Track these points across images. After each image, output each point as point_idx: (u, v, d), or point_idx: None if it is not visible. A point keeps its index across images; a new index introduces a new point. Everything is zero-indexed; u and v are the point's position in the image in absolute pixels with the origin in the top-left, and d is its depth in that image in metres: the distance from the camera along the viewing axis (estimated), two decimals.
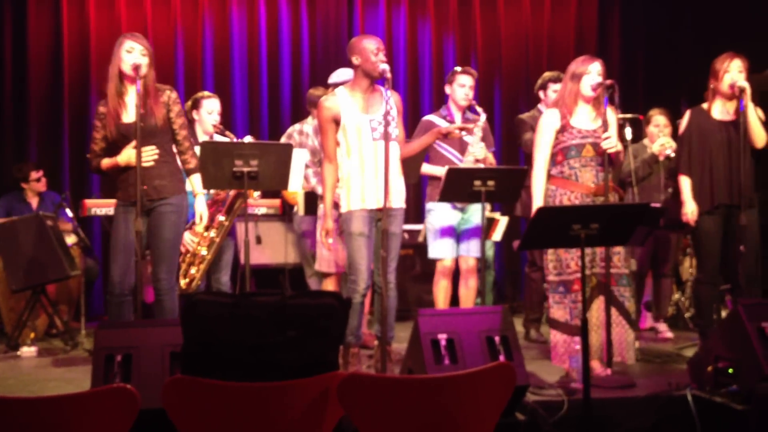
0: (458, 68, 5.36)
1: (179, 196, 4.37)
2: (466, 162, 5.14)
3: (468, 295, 5.28)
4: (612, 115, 4.46)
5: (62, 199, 6.21)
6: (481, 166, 5.11)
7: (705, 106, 4.80)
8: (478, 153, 5.17)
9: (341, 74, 5.15)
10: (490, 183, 4.63)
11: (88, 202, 6.18)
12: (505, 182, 4.72)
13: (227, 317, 2.35)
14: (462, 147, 5.23)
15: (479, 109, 5.27)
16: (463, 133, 4.81)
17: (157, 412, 2.27)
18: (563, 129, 4.38)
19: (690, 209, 4.77)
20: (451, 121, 5.22)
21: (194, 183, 4.44)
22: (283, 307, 2.39)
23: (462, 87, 5.25)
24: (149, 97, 4.25)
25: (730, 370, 3.75)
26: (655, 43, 8.20)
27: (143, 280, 4.35)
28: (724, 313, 5.15)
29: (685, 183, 4.82)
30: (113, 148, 4.29)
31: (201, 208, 4.48)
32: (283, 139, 5.80)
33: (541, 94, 5.61)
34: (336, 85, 4.94)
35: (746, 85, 4.57)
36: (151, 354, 3.30)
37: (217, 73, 7.56)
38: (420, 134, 5.12)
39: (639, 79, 8.21)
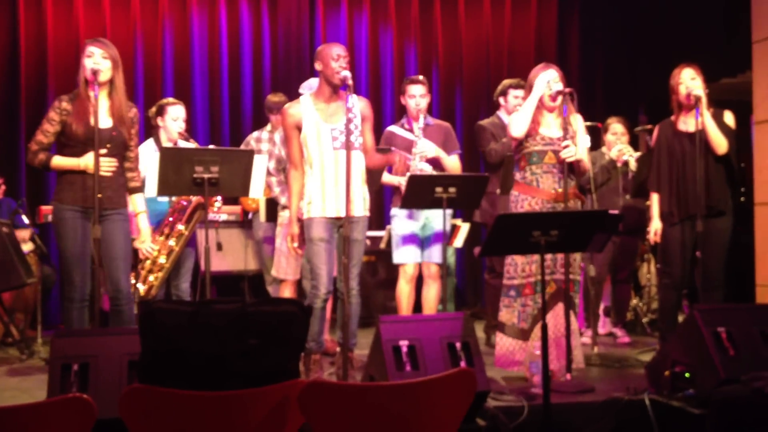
0: (406, 79, 5.43)
1: (126, 208, 4.44)
2: (414, 163, 5.15)
3: (430, 301, 5.30)
4: (579, 122, 4.52)
5: (18, 206, 6.10)
6: (428, 167, 5.14)
7: (672, 118, 4.89)
8: (427, 151, 5.18)
9: (313, 84, 5.16)
10: (452, 190, 4.65)
11: (45, 208, 6.09)
12: (466, 189, 4.74)
13: (186, 325, 2.33)
14: None
15: (422, 116, 5.29)
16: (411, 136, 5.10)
17: (115, 422, 2.24)
18: (528, 134, 4.44)
19: (654, 228, 4.86)
20: (410, 131, 5.26)
21: (137, 202, 4.48)
22: (243, 315, 2.37)
23: (412, 98, 5.26)
24: (122, 107, 4.29)
25: (687, 375, 3.80)
26: (613, 52, 8.31)
27: (100, 287, 4.31)
28: (681, 318, 5.23)
29: (655, 200, 4.92)
30: (65, 147, 4.25)
31: (145, 227, 4.54)
32: (242, 147, 5.79)
33: (501, 100, 5.65)
34: None
35: (701, 93, 4.65)
36: (108, 363, 3.25)
37: (178, 78, 7.49)
38: (382, 145, 5.22)
39: (597, 87, 8.30)
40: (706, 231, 4.58)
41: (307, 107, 4.36)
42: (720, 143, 4.68)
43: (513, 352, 4.41)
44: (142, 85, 7.34)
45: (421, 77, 5.38)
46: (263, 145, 5.58)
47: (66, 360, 3.25)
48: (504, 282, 4.47)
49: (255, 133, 5.77)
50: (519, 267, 4.39)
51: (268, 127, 5.70)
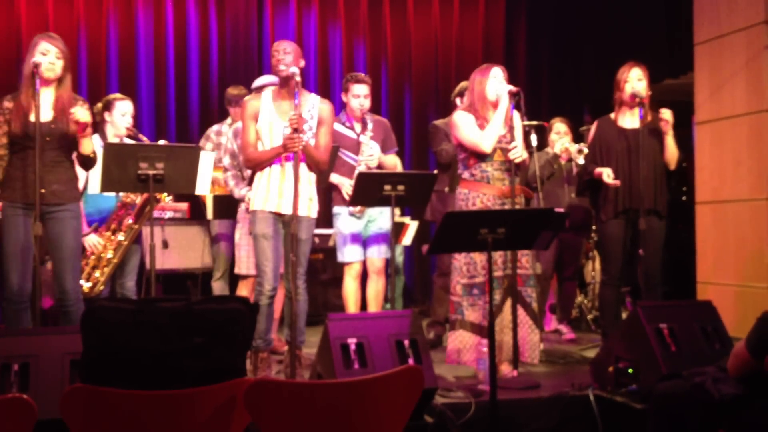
0: (350, 76, 5.34)
1: (76, 204, 4.27)
2: (362, 161, 5.20)
3: (376, 297, 5.31)
4: (518, 121, 4.56)
5: None
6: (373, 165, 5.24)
7: (612, 115, 4.94)
8: (373, 152, 5.27)
9: (262, 79, 5.16)
10: (400, 188, 4.66)
11: None
12: (415, 187, 4.75)
13: (129, 324, 2.29)
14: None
15: (367, 117, 5.31)
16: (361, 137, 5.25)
17: (56, 422, 2.20)
18: None
19: (606, 173, 4.75)
20: (351, 128, 5.27)
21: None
22: (188, 313, 2.34)
23: (356, 98, 5.24)
24: (64, 102, 4.15)
25: (630, 370, 3.87)
26: (559, 52, 8.42)
27: (42, 286, 4.20)
28: (624, 315, 5.32)
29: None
30: (12, 145, 4.13)
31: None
32: (202, 140, 5.76)
33: (458, 101, 5.65)
34: (259, 89, 4.96)
35: (644, 95, 4.72)
36: (49, 362, 3.19)
37: (122, 74, 7.36)
38: None
39: (543, 86, 8.40)
40: (647, 229, 4.64)
41: (267, 101, 4.36)
42: (673, 161, 4.78)
43: (468, 349, 4.43)
44: (86, 80, 7.20)
45: (365, 76, 5.35)
46: (223, 138, 5.54)
47: (6, 360, 3.18)
48: (463, 282, 4.46)
49: (215, 126, 5.75)
50: (478, 265, 4.41)
51: (228, 120, 5.67)
